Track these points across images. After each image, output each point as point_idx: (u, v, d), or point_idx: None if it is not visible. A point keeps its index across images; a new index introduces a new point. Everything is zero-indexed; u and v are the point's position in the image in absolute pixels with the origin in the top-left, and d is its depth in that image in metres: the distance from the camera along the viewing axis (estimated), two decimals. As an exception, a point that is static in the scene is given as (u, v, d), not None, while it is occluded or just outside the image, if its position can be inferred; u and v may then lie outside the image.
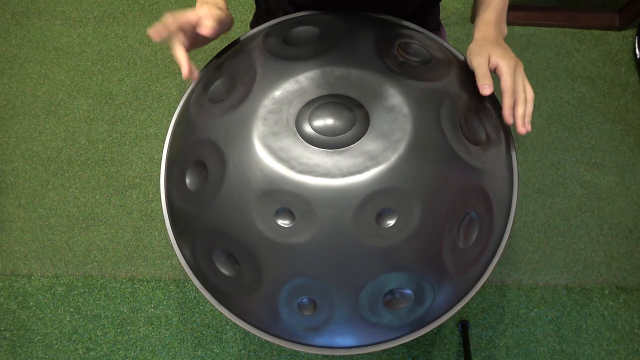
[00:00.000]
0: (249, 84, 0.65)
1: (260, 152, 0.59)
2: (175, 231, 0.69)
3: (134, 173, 1.57)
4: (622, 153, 1.55)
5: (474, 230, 0.63)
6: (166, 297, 1.46)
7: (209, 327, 1.44)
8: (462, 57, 0.76)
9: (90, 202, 1.55)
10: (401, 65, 0.65)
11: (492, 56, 0.67)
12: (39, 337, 1.45)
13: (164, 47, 1.68)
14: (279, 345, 1.29)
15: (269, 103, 0.62)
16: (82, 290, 1.48)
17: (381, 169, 0.58)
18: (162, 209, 0.98)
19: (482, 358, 1.40)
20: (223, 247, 0.63)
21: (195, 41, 0.71)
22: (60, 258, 1.51)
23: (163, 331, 1.44)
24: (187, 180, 0.66)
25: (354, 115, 0.60)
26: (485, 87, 0.64)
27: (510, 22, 1.66)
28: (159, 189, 1.56)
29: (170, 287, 1.47)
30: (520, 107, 0.66)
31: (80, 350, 1.44)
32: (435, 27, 1.00)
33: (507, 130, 0.71)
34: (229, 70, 0.70)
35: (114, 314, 1.46)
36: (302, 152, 0.59)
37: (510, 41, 1.65)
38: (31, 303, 1.47)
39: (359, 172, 0.58)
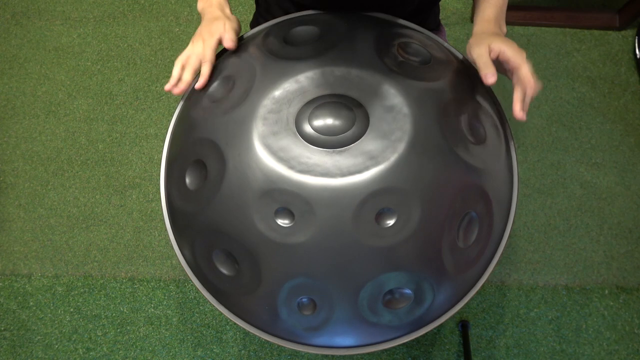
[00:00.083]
0: (249, 83, 0.65)
1: (260, 151, 0.59)
2: (175, 231, 0.69)
3: (134, 173, 1.57)
4: (622, 153, 1.55)
5: (473, 230, 0.63)
6: (166, 297, 1.46)
7: (209, 327, 1.44)
8: (462, 57, 0.76)
9: (90, 202, 1.55)
10: (401, 65, 0.65)
11: (493, 44, 0.65)
12: (39, 337, 1.45)
13: (164, 47, 1.69)
14: (278, 345, 1.29)
15: (269, 103, 0.62)
16: (82, 290, 1.48)
17: (381, 169, 0.58)
18: (162, 209, 0.98)
19: (482, 358, 1.40)
20: (223, 247, 0.63)
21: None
22: (60, 258, 1.51)
23: (163, 331, 1.44)
24: (187, 180, 0.66)
25: (354, 115, 0.60)
26: (489, 76, 0.63)
27: (510, 22, 1.66)
28: (159, 189, 1.56)
29: (170, 287, 1.47)
30: (530, 92, 0.64)
31: (80, 350, 1.44)
32: (435, 27, 1.00)
33: (507, 130, 0.71)
34: (229, 70, 0.70)
35: (114, 314, 1.46)
36: (301, 151, 0.59)
37: (510, 41, 1.65)
38: (31, 303, 1.47)
39: (359, 171, 0.58)
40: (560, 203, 1.51)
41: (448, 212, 0.59)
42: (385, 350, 1.41)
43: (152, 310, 1.45)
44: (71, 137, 1.60)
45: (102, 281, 1.48)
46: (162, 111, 1.62)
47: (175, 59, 1.63)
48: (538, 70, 1.62)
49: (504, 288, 1.44)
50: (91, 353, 1.43)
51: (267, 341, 1.11)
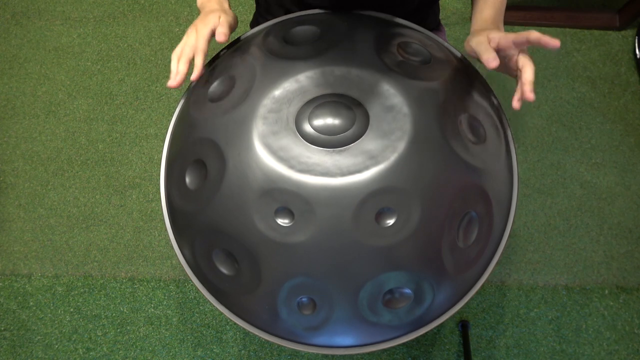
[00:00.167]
0: (249, 83, 0.65)
1: (260, 151, 0.59)
2: (175, 231, 0.69)
3: (134, 173, 1.57)
4: (622, 153, 1.55)
5: (473, 229, 0.63)
6: (166, 297, 1.46)
7: (209, 327, 1.44)
8: (462, 57, 0.76)
9: (90, 202, 1.55)
10: (401, 65, 0.65)
11: (492, 34, 0.65)
12: (39, 337, 1.45)
13: (164, 47, 1.69)
14: (278, 345, 1.29)
15: (269, 102, 0.62)
16: (82, 290, 1.48)
17: (381, 168, 0.58)
18: (162, 209, 0.98)
19: (482, 358, 1.40)
20: (222, 246, 0.63)
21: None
22: (60, 258, 1.51)
23: (163, 331, 1.44)
24: (187, 180, 0.66)
25: (354, 115, 0.60)
26: (490, 60, 0.60)
27: (510, 22, 1.66)
28: (159, 188, 1.56)
29: (170, 287, 1.47)
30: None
31: (80, 350, 1.44)
32: (435, 26, 1.00)
33: (507, 130, 0.71)
34: (229, 69, 0.70)
35: (114, 314, 1.46)
36: (301, 151, 0.59)
37: (510, 41, 1.65)
38: (31, 303, 1.47)
39: (359, 171, 0.57)
40: (560, 203, 1.51)
41: (448, 211, 0.59)
42: (385, 350, 1.41)
43: (152, 310, 1.45)
44: (71, 137, 1.61)
45: (102, 281, 1.48)
46: (162, 111, 1.62)
47: (175, 59, 1.63)
48: (538, 70, 1.62)
49: (504, 288, 1.44)
50: (91, 353, 1.43)
51: (267, 341, 1.11)
